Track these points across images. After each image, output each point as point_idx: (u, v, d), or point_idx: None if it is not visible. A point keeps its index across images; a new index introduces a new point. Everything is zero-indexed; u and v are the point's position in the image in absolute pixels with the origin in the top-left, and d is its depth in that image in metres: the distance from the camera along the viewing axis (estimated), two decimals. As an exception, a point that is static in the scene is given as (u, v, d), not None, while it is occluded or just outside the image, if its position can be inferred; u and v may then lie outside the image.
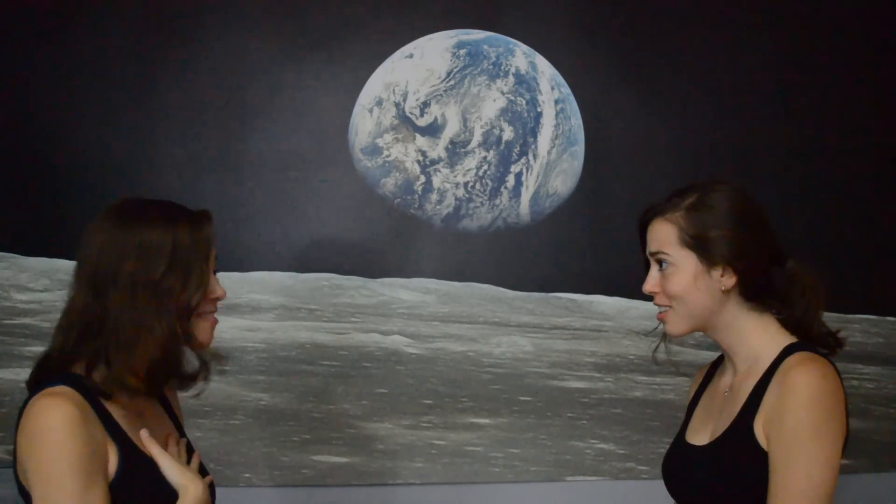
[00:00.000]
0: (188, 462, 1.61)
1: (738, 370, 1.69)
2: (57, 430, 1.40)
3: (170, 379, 1.63)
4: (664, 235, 1.66)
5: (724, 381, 1.73)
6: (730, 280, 1.64)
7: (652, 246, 1.68)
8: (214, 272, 1.58)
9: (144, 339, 1.47)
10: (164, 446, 1.57)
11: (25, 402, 1.47)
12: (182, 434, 1.69)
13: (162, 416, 1.66)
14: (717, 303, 1.65)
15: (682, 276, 1.65)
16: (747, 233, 1.65)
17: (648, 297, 1.73)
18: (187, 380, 1.63)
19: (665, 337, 1.75)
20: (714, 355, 1.83)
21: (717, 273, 1.64)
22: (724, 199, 1.66)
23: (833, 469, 1.52)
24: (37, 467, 1.40)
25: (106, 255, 1.48)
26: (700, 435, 1.72)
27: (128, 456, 1.47)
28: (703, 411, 1.76)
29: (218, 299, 1.57)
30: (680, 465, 1.73)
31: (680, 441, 1.77)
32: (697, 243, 1.64)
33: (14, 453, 1.46)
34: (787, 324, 1.67)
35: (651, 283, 1.68)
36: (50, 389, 1.45)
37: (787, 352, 1.61)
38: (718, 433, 1.65)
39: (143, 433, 1.52)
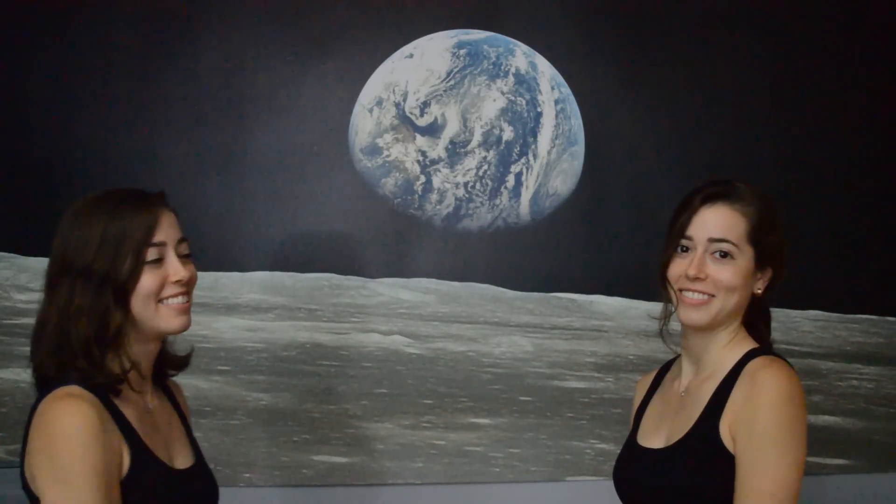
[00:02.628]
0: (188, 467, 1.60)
1: (700, 373, 1.67)
2: (77, 435, 1.38)
3: (165, 368, 1.63)
4: (733, 224, 1.61)
5: (679, 383, 1.71)
6: (762, 285, 1.64)
7: (715, 231, 1.61)
8: (184, 256, 1.54)
9: (79, 321, 1.46)
10: (171, 444, 1.57)
11: (38, 401, 1.45)
12: (188, 430, 1.68)
13: (171, 414, 1.65)
14: (744, 305, 1.64)
15: (742, 269, 1.62)
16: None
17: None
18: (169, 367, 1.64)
19: (668, 318, 1.70)
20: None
21: (757, 276, 1.64)
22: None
23: (800, 471, 1.52)
24: (54, 471, 1.38)
25: (55, 253, 1.51)
26: (654, 438, 1.69)
27: (138, 456, 1.47)
28: (657, 414, 1.74)
29: (180, 282, 1.51)
30: (634, 469, 1.71)
31: (632, 445, 1.74)
32: (760, 243, 1.63)
33: (22, 451, 1.44)
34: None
35: (701, 267, 1.60)
36: (65, 389, 1.43)
37: (749, 356, 1.61)
38: (677, 436, 1.63)
39: None
